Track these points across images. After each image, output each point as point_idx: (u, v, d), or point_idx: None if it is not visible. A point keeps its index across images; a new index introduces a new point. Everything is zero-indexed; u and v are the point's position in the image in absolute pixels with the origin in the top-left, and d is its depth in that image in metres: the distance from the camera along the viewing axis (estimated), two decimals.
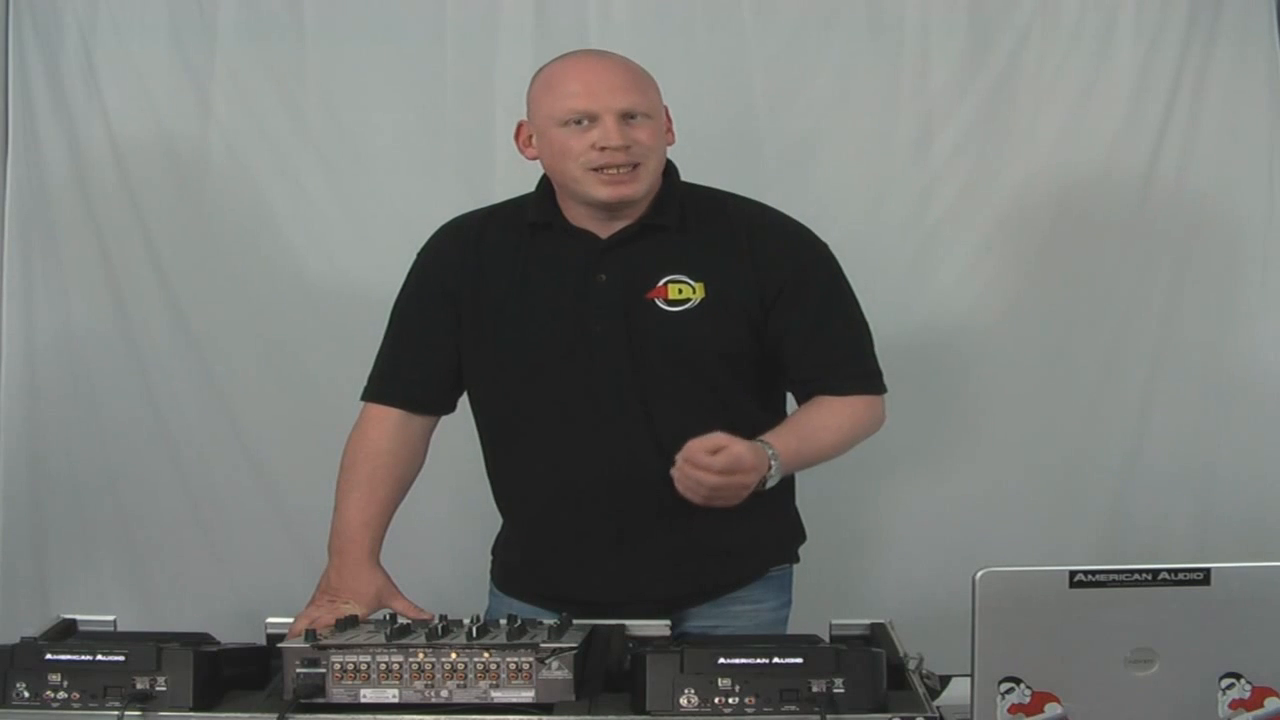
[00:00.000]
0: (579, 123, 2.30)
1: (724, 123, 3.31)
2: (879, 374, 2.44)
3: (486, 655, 1.91)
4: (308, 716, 1.90)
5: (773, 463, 2.24)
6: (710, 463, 2.16)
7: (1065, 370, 3.39)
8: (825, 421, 2.38)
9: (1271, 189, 3.37)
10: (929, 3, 3.35)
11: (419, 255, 2.49)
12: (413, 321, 2.47)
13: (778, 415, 2.45)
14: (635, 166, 2.30)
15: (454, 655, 1.91)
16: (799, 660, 1.88)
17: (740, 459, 2.17)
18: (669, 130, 2.40)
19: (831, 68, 3.37)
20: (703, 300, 2.35)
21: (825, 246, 2.43)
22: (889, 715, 1.87)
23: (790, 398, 2.49)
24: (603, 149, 2.28)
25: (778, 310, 2.36)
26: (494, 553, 2.56)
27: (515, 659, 1.91)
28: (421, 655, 1.91)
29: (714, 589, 2.43)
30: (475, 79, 3.32)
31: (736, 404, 2.40)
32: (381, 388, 2.46)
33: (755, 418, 2.40)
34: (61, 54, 3.37)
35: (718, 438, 2.17)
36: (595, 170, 2.30)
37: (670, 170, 2.42)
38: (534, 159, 2.39)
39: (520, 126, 2.40)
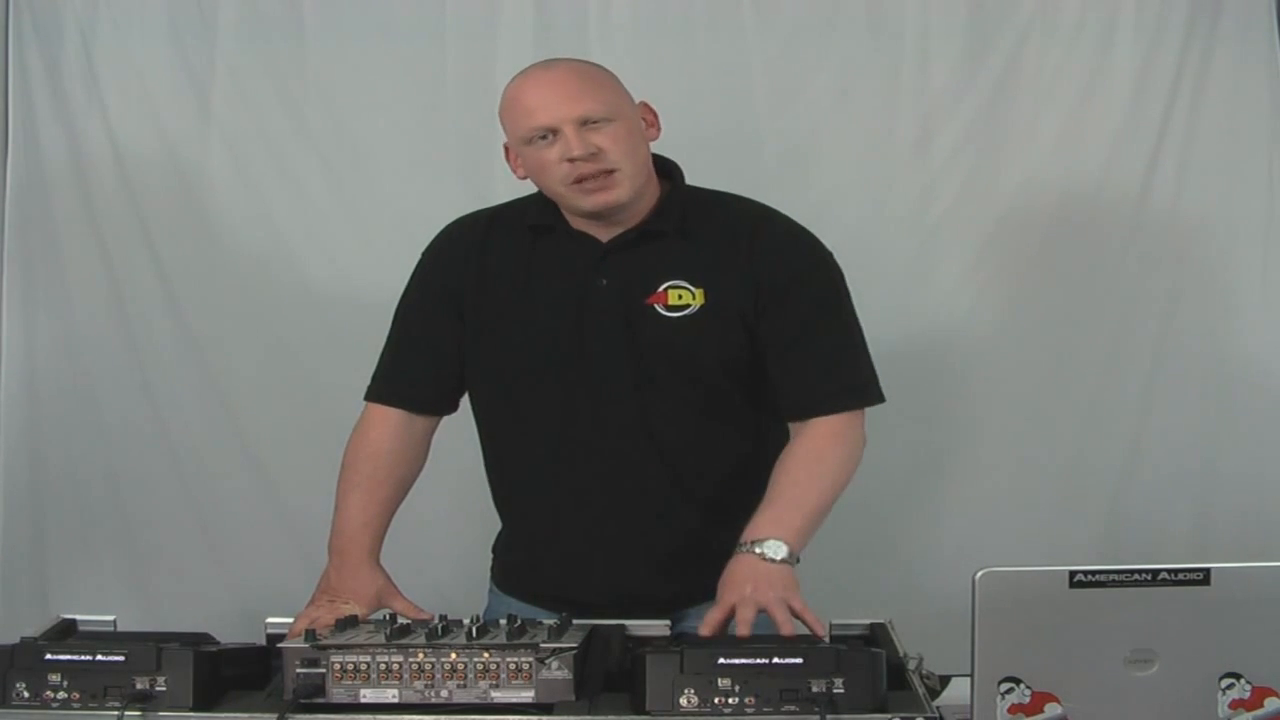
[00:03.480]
0: (543, 138, 2.28)
1: (724, 123, 3.31)
2: (868, 385, 2.37)
3: (486, 655, 1.91)
4: (308, 716, 1.89)
5: (769, 549, 2.19)
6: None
7: (1065, 371, 3.39)
8: (807, 475, 2.29)
9: (1271, 190, 3.36)
10: (929, 3, 3.35)
11: (423, 255, 2.49)
12: (415, 322, 2.46)
13: (775, 419, 2.45)
14: (610, 173, 2.28)
15: (454, 655, 1.91)
16: (799, 660, 1.88)
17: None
18: (652, 125, 2.38)
19: (831, 68, 3.37)
20: (702, 307, 2.33)
21: (827, 253, 2.40)
22: (889, 715, 1.86)
23: None
24: (571, 160, 2.26)
25: (769, 315, 2.33)
26: (494, 552, 2.56)
27: (515, 659, 1.91)
28: (421, 655, 1.91)
29: (711, 590, 2.42)
30: (475, 79, 3.31)
31: (735, 410, 2.39)
32: (383, 388, 2.45)
33: (754, 423, 2.40)
34: (61, 54, 3.37)
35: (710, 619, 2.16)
36: (575, 183, 2.28)
37: (675, 173, 2.41)
38: (525, 179, 2.39)
39: (506, 150, 2.39)
